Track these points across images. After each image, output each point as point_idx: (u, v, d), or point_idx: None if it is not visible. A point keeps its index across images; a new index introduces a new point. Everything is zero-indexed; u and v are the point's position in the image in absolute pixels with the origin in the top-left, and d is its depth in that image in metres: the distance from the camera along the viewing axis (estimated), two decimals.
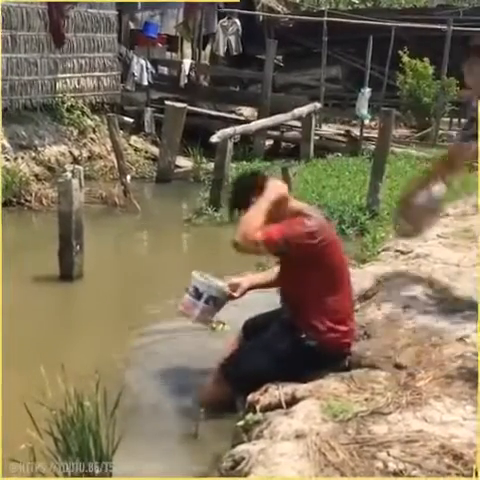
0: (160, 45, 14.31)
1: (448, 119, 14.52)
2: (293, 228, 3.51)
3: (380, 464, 2.47)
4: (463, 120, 14.88)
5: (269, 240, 3.46)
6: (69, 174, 5.87)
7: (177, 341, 4.42)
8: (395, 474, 2.40)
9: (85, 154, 10.75)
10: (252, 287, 3.95)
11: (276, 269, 3.86)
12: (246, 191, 3.74)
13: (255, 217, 3.50)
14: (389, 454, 2.50)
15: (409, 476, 2.38)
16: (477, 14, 15.34)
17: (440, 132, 13.31)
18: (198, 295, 3.84)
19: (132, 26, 13.91)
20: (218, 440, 3.33)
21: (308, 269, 3.56)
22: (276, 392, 3.33)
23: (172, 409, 3.70)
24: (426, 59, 13.29)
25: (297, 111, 11.40)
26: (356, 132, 12.43)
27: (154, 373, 4.06)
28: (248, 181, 3.82)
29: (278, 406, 3.23)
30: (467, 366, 3.15)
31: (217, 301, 3.86)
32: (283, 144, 13.53)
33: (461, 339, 3.43)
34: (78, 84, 11.34)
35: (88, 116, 11.25)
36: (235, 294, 3.89)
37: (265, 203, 3.54)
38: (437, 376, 3.12)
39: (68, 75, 11.12)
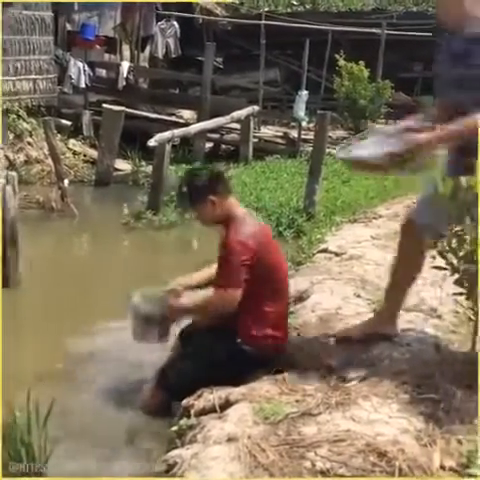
0: (98, 47, 14.17)
1: (383, 121, 14.83)
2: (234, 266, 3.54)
3: (308, 464, 2.54)
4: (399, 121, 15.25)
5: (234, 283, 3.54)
6: (2, 181, 5.79)
7: (116, 348, 4.42)
8: (322, 473, 2.48)
9: (21, 158, 10.59)
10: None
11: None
12: (202, 188, 3.65)
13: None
14: (317, 454, 2.58)
15: (335, 475, 2.46)
16: (410, 18, 15.72)
17: None
18: (140, 316, 3.77)
19: (69, 28, 13.73)
20: (154, 445, 3.36)
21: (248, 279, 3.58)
22: (210, 396, 3.38)
23: (110, 415, 3.71)
24: (361, 62, 13.53)
25: (235, 114, 11.46)
26: (294, 134, 12.57)
27: (93, 380, 4.06)
28: (203, 178, 3.70)
29: (212, 410, 3.28)
30: (393, 365, 3.27)
31: (159, 318, 3.79)
32: (223, 146, 13.58)
33: (389, 339, 3.54)
34: (13, 87, 11.10)
35: (24, 119, 11.07)
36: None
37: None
38: (366, 376, 3.23)
39: (3, 78, 10.91)
